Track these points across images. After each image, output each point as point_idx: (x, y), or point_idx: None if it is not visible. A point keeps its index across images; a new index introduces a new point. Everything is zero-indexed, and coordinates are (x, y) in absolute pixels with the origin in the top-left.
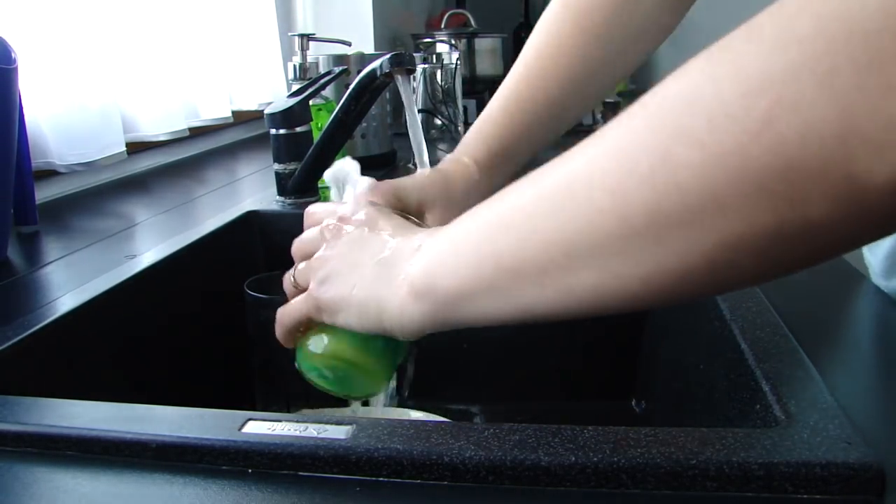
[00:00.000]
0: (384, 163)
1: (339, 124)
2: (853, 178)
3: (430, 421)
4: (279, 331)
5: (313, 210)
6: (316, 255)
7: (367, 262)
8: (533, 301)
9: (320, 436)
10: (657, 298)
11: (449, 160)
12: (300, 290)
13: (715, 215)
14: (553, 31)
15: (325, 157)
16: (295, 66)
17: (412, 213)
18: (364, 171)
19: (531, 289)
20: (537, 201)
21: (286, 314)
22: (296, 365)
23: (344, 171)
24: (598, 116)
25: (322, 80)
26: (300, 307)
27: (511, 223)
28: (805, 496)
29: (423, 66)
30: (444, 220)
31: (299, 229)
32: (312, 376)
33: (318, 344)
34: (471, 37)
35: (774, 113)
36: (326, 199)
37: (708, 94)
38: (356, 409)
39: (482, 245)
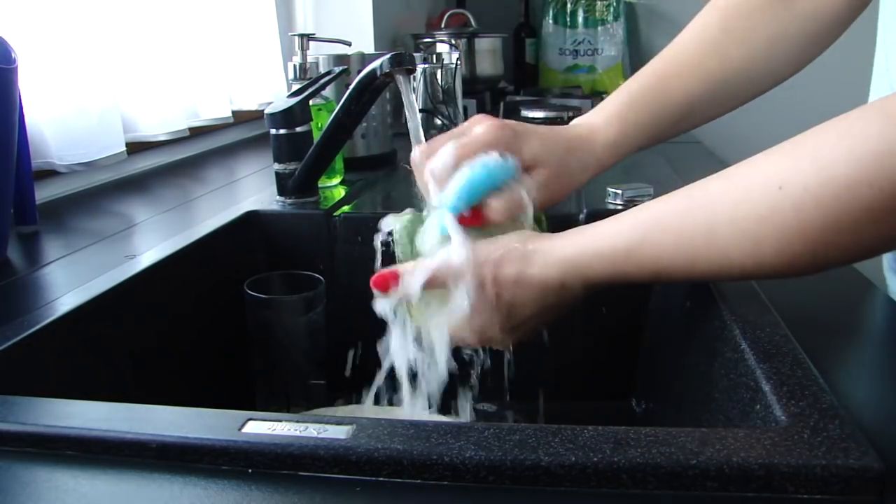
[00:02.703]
0: (384, 163)
1: (339, 124)
2: None
3: (430, 421)
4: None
5: (441, 268)
6: (490, 312)
7: (539, 305)
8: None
9: (320, 436)
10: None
11: (583, 123)
12: (480, 338)
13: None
14: (699, 29)
15: (325, 157)
16: (295, 66)
17: (520, 156)
18: (364, 171)
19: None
20: (726, 193)
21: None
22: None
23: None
24: None
25: (322, 80)
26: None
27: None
28: (805, 496)
29: (423, 66)
30: (553, 187)
31: (299, 229)
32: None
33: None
34: (471, 37)
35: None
36: (332, 203)
37: (867, 196)
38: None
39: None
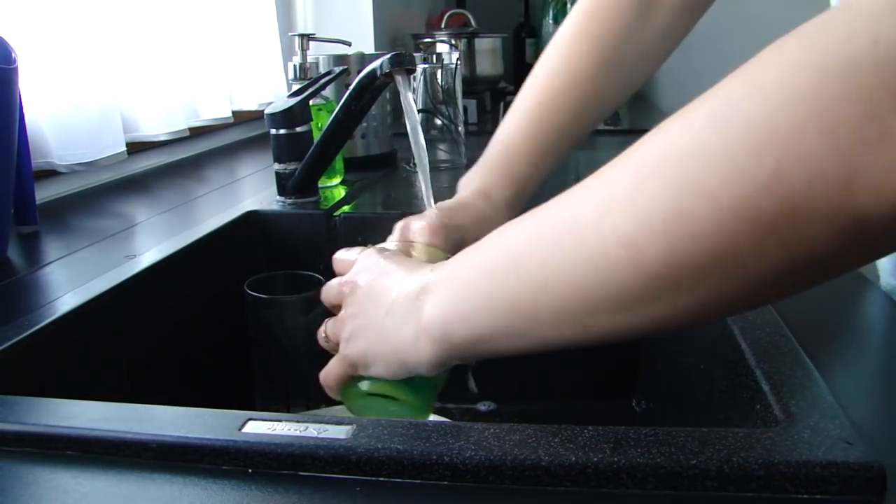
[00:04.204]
0: (384, 163)
1: (339, 124)
2: (857, 216)
3: (430, 421)
4: (328, 391)
5: (338, 257)
6: (339, 315)
7: (379, 315)
8: (549, 339)
9: (320, 436)
10: (669, 329)
11: (474, 192)
12: (332, 343)
13: (729, 260)
14: (568, 55)
15: (325, 157)
16: (295, 66)
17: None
18: (364, 171)
19: (548, 330)
20: (549, 249)
21: (329, 376)
22: (343, 402)
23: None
24: None
25: (322, 80)
26: (337, 369)
27: (523, 271)
28: (805, 496)
29: (423, 66)
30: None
31: (299, 229)
32: (360, 412)
33: (361, 386)
34: (471, 37)
35: (783, 167)
36: (330, 199)
37: (718, 151)
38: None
39: (495, 291)
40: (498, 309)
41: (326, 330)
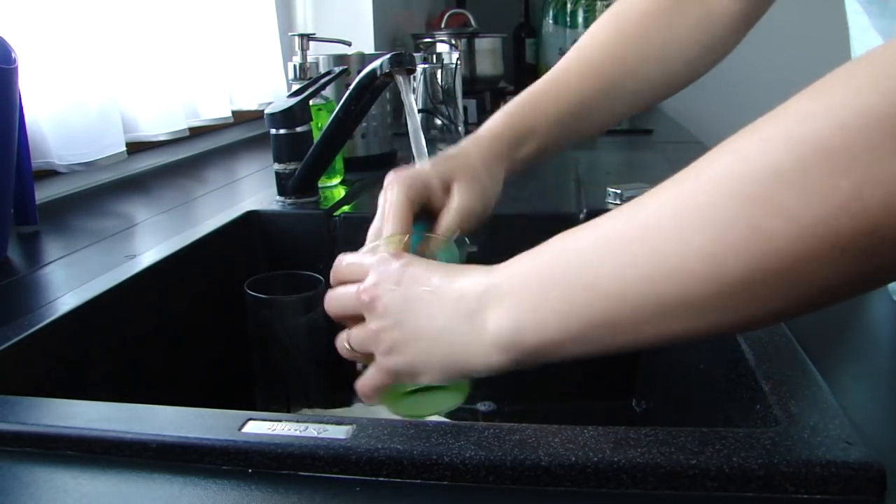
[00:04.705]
0: (384, 163)
1: (339, 124)
2: None
3: (430, 421)
4: (365, 400)
5: (349, 262)
6: (369, 327)
7: (429, 326)
8: (623, 345)
9: (320, 436)
10: (743, 331)
11: (468, 138)
12: (360, 353)
13: (804, 272)
14: (595, 34)
15: (325, 157)
16: (295, 66)
17: (437, 193)
18: (364, 171)
19: (622, 338)
20: (625, 262)
21: (368, 388)
22: (382, 404)
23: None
24: None
25: (322, 80)
26: (377, 379)
27: (600, 284)
28: (805, 496)
29: (423, 66)
30: (472, 188)
31: (299, 229)
32: (400, 410)
33: (405, 386)
34: (471, 37)
35: (860, 188)
36: (330, 199)
37: (796, 172)
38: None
39: (571, 303)
40: (573, 320)
41: (351, 342)
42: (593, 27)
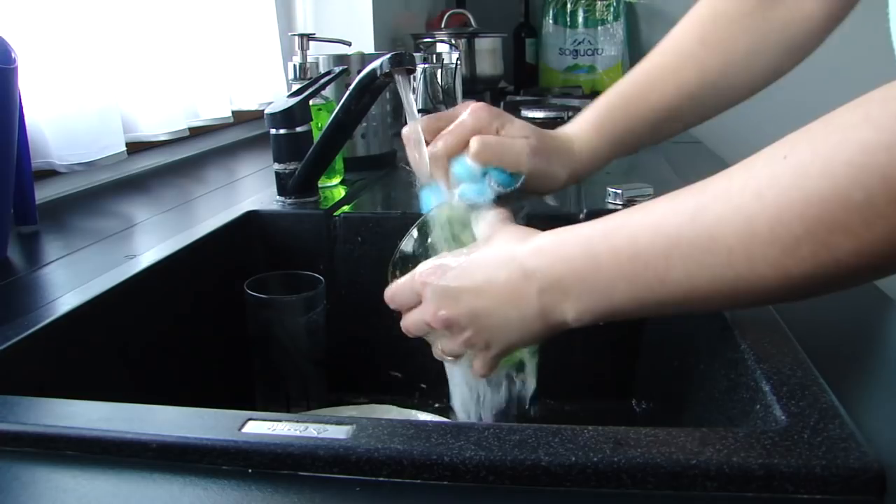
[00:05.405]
0: (384, 163)
1: (339, 124)
2: None
3: (430, 421)
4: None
5: (390, 293)
6: (458, 341)
7: (508, 323)
8: (686, 313)
9: (320, 436)
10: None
11: (563, 132)
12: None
13: (862, 274)
14: (677, 38)
15: (325, 157)
16: (295, 66)
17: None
18: (364, 171)
19: (687, 311)
20: (694, 267)
21: (484, 373)
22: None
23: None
24: None
25: (322, 80)
26: (489, 366)
27: (668, 280)
28: (805, 496)
29: (423, 66)
30: (531, 182)
31: (299, 229)
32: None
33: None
34: (471, 37)
35: None
36: (330, 199)
37: (861, 201)
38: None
39: (639, 295)
40: (643, 303)
41: (447, 353)
42: (675, 31)
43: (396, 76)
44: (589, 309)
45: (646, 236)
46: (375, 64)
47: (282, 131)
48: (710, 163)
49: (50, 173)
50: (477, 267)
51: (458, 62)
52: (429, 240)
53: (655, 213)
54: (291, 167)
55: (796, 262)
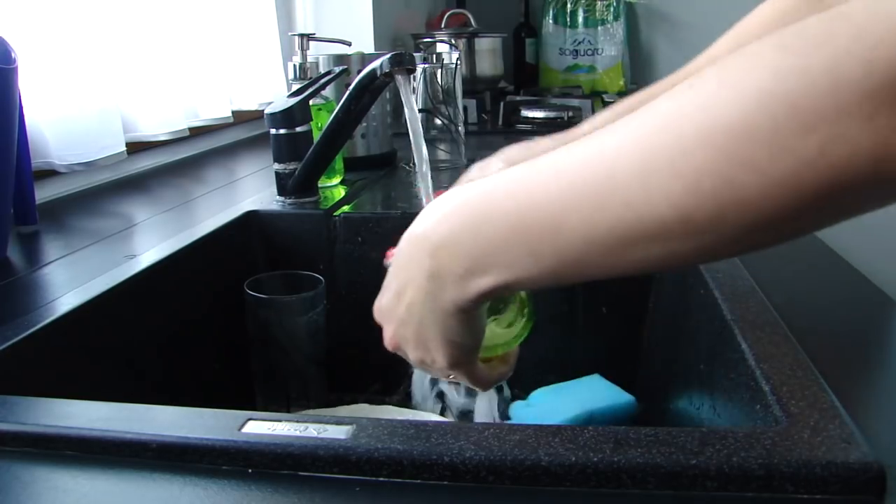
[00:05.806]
0: (384, 163)
1: (339, 124)
2: (883, 180)
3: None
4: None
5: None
6: (421, 363)
7: (414, 285)
8: (593, 275)
9: (320, 436)
10: (710, 257)
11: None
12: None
13: (768, 222)
14: (715, 56)
15: (325, 157)
16: (295, 66)
17: None
18: (364, 171)
19: (592, 270)
20: (593, 211)
21: (486, 385)
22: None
23: None
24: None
25: (322, 80)
26: (471, 375)
27: (565, 228)
28: (805, 496)
29: (423, 66)
30: None
31: (299, 229)
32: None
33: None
34: (471, 37)
35: (826, 145)
36: (329, 199)
37: (767, 128)
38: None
39: (536, 247)
40: (539, 258)
41: (433, 373)
42: (713, 49)
43: (396, 76)
44: (481, 267)
45: (541, 180)
46: (375, 64)
47: (282, 131)
48: None
49: (50, 173)
50: (392, 266)
51: (458, 62)
52: None
53: (558, 156)
54: (291, 167)
55: (698, 202)
